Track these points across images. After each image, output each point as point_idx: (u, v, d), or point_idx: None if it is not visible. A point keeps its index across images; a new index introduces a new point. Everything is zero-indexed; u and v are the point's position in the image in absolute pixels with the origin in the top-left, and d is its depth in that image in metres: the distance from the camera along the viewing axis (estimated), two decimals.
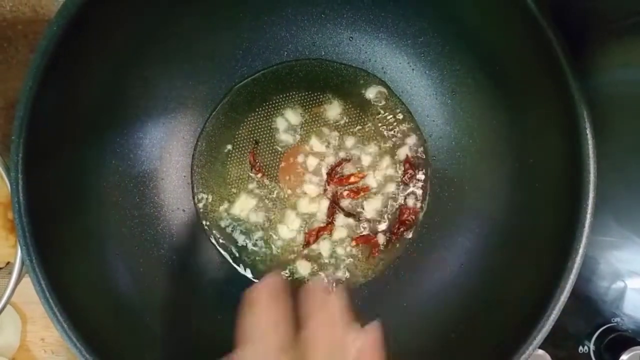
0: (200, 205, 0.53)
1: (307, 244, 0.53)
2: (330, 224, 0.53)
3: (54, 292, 0.39)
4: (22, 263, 0.44)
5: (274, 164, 0.53)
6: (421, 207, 0.53)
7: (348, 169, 0.53)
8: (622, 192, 0.44)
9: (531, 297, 0.42)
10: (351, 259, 0.53)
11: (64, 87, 0.42)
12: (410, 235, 0.53)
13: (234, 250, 0.53)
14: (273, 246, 0.53)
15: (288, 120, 0.53)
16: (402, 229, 0.52)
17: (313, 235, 0.52)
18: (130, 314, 0.46)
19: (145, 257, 0.49)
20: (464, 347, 0.45)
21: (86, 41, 0.42)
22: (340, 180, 0.53)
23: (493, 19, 0.44)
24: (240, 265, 0.53)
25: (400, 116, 0.53)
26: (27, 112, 0.39)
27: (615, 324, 0.51)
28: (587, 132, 0.40)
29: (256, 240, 0.53)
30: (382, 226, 0.53)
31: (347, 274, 0.53)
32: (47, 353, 0.58)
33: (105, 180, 0.47)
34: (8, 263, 0.50)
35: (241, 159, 0.53)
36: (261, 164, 0.53)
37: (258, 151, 0.53)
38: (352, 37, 0.52)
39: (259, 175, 0.53)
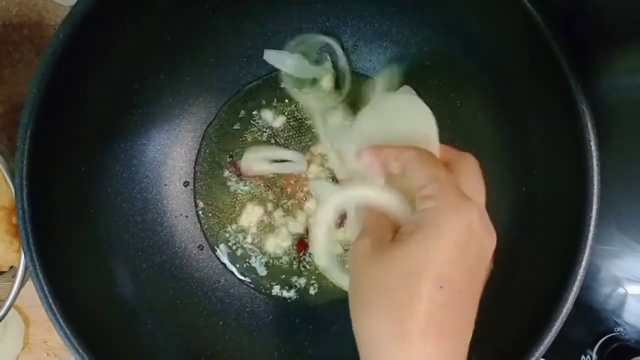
0: (203, 211, 0.53)
1: (299, 256, 0.53)
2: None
3: (56, 298, 0.40)
4: (26, 268, 0.44)
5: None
6: None
7: None
8: (625, 199, 0.44)
9: (534, 308, 0.42)
10: None
11: (69, 94, 0.42)
12: None
13: (235, 257, 0.53)
14: (274, 253, 0.53)
15: (292, 126, 0.53)
16: None
17: (301, 246, 0.53)
18: (132, 320, 0.46)
19: (148, 263, 0.49)
20: None
21: (91, 49, 0.42)
22: None
23: (497, 29, 0.44)
24: (242, 272, 0.53)
25: None
26: (32, 119, 0.39)
27: (617, 333, 0.51)
28: (592, 143, 0.40)
29: (258, 246, 0.53)
30: None
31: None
32: (49, 356, 0.58)
33: (109, 186, 0.48)
34: (12, 267, 0.50)
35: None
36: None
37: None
38: (356, 46, 0.52)
39: (261, 182, 0.53)
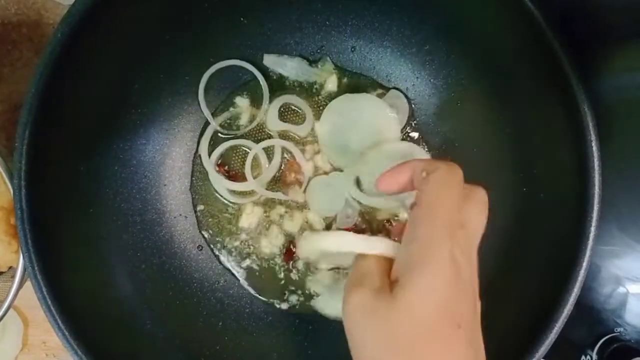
0: (202, 212, 0.53)
1: (287, 262, 0.52)
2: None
3: (55, 299, 0.40)
4: (25, 269, 0.44)
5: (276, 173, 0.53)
6: None
7: None
8: (625, 199, 0.44)
9: (534, 309, 0.42)
10: None
11: (68, 94, 0.42)
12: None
13: (233, 258, 0.53)
14: (270, 253, 0.53)
15: (292, 126, 0.53)
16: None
17: (289, 254, 0.52)
18: (131, 321, 0.46)
19: (147, 263, 0.49)
20: None
21: (90, 48, 0.42)
22: None
23: (499, 27, 0.44)
24: (240, 274, 0.52)
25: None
26: (30, 119, 0.39)
27: (618, 333, 0.51)
28: (593, 144, 0.40)
29: (256, 247, 0.53)
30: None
31: None
32: (49, 356, 0.58)
33: (108, 186, 0.47)
34: (11, 267, 0.50)
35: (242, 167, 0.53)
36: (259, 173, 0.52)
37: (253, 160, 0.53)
38: (356, 45, 0.52)
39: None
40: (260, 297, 0.52)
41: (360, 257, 0.32)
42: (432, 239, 0.29)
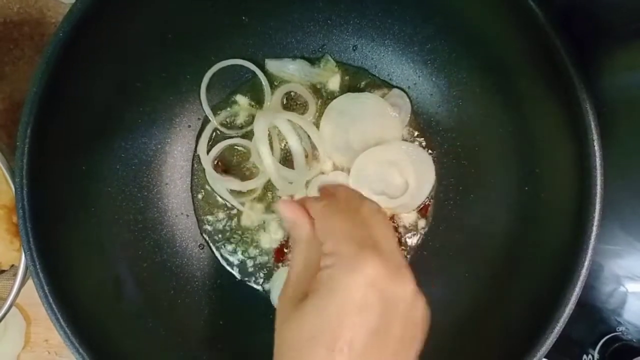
0: (202, 210, 0.53)
1: (277, 260, 0.53)
2: None
3: (57, 297, 0.40)
4: (26, 267, 0.44)
5: None
6: (426, 216, 0.52)
7: None
8: (627, 198, 0.44)
9: (536, 308, 0.42)
10: None
11: (70, 92, 0.42)
12: (412, 243, 0.53)
13: (235, 257, 0.53)
14: (269, 249, 0.53)
15: (292, 124, 0.53)
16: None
17: (280, 254, 0.52)
18: (133, 319, 0.46)
19: (148, 262, 0.49)
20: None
21: (92, 47, 0.42)
22: None
23: (500, 26, 0.44)
24: (241, 271, 0.53)
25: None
26: (32, 117, 0.39)
27: (619, 332, 0.51)
28: (595, 143, 0.39)
29: (256, 244, 0.53)
30: None
31: None
32: (50, 354, 0.58)
33: (110, 185, 0.48)
34: (12, 265, 0.50)
35: (245, 164, 0.53)
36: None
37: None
38: (358, 44, 0.52)
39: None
40: (261, 293, 0.52)
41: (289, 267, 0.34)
42: (337, 269, 0.28)
